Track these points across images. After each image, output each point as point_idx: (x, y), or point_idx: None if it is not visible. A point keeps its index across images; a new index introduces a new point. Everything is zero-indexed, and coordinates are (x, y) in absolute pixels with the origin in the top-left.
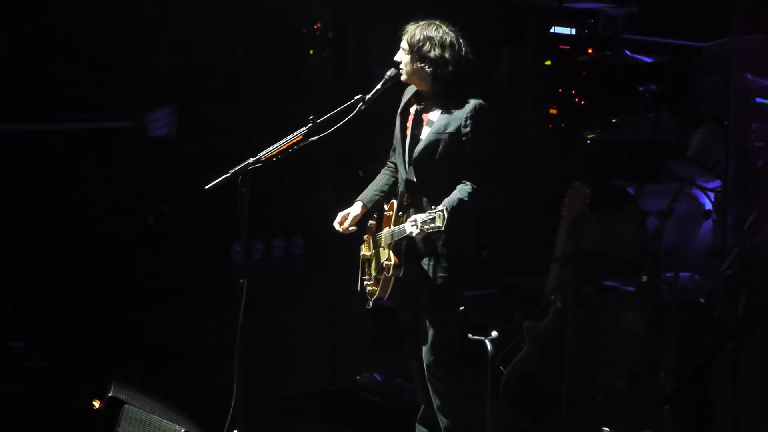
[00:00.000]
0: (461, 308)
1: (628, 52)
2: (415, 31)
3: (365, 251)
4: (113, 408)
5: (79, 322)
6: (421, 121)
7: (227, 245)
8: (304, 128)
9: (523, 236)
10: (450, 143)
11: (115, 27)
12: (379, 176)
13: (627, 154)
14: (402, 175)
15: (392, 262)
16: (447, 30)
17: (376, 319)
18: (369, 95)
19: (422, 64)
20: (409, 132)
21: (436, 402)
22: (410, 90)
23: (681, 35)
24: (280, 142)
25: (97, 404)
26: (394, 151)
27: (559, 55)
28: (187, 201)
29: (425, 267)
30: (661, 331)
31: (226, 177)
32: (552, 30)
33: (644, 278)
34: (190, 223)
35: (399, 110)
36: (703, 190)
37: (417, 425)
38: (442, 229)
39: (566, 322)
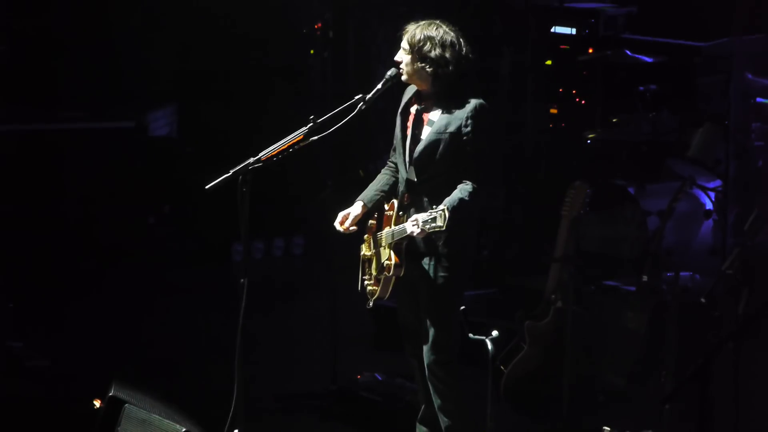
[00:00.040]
0: (462, 308)
1: (628, 52)
2: (415, 30)
3: (365, 251)
4: (114, 407)
5: (79, 322)
6: (422, 120)
7: (228, 245)
8: (304, 128)
9: (523, 236)
10: (451, 143)
11: (116, 27)
12: (379, 176)
13: (627, 153)
14: (402, 174)
15: (393, 262)
16: (447, 30)
17: (376, 318)
18: (369, 95)
19: (423, 64)
20: (409, 132)
21: (436, 401)
22: (410, 90)
23: (681, 35)
24: (281, 141)
25: (97, 404)
26: (394, 150)
27: (560, 55)
28: (187, 200)
29: (426, 266)
30: (662, 330)
31: (227, 176)
32: (552, 30)
33: (645, 278)
34: (190, 222)
35: (399, 110)
36: (704, 189)
37: (418, 425)
38: (443, 228)
39: (567, 321)
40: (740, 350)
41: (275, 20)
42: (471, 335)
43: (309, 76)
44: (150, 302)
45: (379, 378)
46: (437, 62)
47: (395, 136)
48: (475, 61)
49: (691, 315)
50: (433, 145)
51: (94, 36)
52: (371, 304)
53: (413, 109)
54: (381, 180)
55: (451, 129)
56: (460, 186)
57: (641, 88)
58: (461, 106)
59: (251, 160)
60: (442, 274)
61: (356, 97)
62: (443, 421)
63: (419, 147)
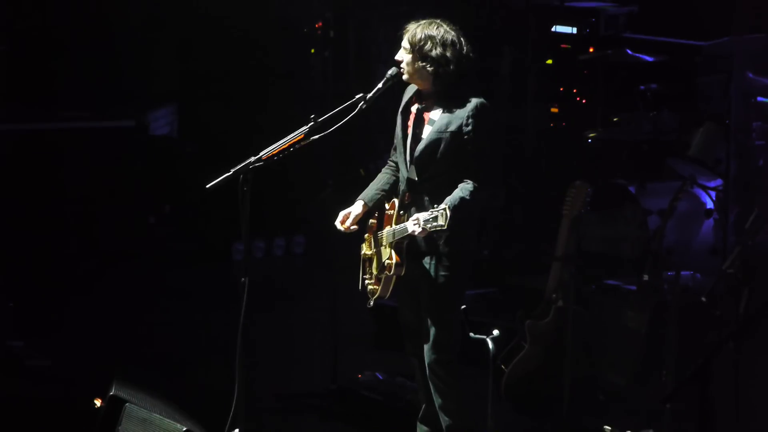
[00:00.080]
0: (463, 307)
1: (629, 51)
2: (416, 30)
3: (366, 250)
4: (115, 407)
5: (80, 321)
6: (423, 120)
7: (228, 244)
8: (305, 127)
9: (524, 235)
10: (451, 142)
11: (116, 26)
12: (379, 175)
13: (628, 152)
14: (403, 173)
15: (394, 261)
16: (448, 29)
17: (377, 317)
18: (370, 94)
19: (423, 63)
20: (410, 131)
21: (437, 401)
22: (411, 89)
23: (682, 34)
24: (281, 141)
25: (98, 403)
26: (394, 150)
27: (561, 54)
28: (188, 200)
29: (427, 266)
30: (663, 330)
31: (228, 176)
32: (553, 29)
33: (645, 277)
34: (191, 221)
35: (400, 109)
36: (705, 188)
37: (418, 424)
38: (445, 227)
39: (567, 321)
40: (741, 350)
41: (276, 20)
42: (472, 334)
43: (309, 76)
44: (150, 302)
45: (380, 377)
46: (438, 61)
47: (396, 136)
48: (476, 61)
49: (691, 314)
50: (434, 144)
51: (94, 35)
52: (372, 303)
53: (414, 108)
54: (381, 179)
55: (452, 128)
56: (461, 185)
57: (642, 87)
58: (462, 105)
59: (252, 159)
60: (442, 273)
61: (357, 97)
62: (444, 420)
63: (420, 146)
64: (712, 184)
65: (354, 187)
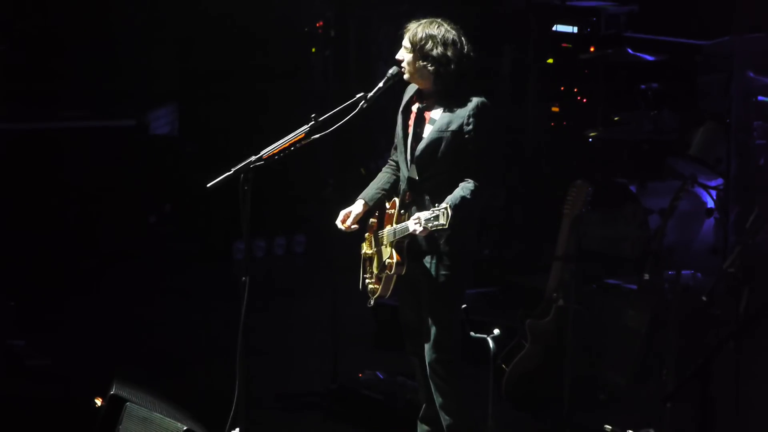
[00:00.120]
0: (463, 306)
1: (629, 50)
2: (417, 29)
3: (366, 249)
4: (115, 406)
5: (80, 320)
6: (423, 119)
7: (229, 243)
8: (306, 126)
9: (524, 234)
10: (452, 141)
11: (117, 26)
12: (380, 174)
13: (629, 152)
14: (404, 173)
15: (395, 260)
16: (449, 28)
17: (377, 317)
18: (371, 93)
19: (424, 63)
20: (411, 130)
21: (438, 400)
22: (412, 88)
23: (682, 33)
24: (282, 140)
25: (98, 402)
26: (395, 149)
27: (561, 53)
28: (188, 199)
29: (427, 265)
30: (663, 329)
31: (228, 175)
32: (554, 28)
33: (646, 276)
34: (191, 221)
35: (401, 108)
36: (705, 188)
37: (419, 423)
38: (446, 226)
39: (568, 320)
40: (741, 349)
41: (276, 19)
42: (472, 334)
43: (310, 75)
44: (151, 301)
45: (381, 376)
46: (439, 61)
47: (396, 135)
48: (477, 60)
49: (692, 313)
50: (434, 143)
51: (94, 35)
52: (372, 302)
53: (415, 107)
54: (382, 178)
55: (453, 127)
56: (462, 184)
57: (642, 86)
58: (463, 104)
59: (253, 158)
60: (443, 272)
61: (358, 96)
62: (444, 419)
63: (421, 145)
64: (713, 183)
65: (355, 186)
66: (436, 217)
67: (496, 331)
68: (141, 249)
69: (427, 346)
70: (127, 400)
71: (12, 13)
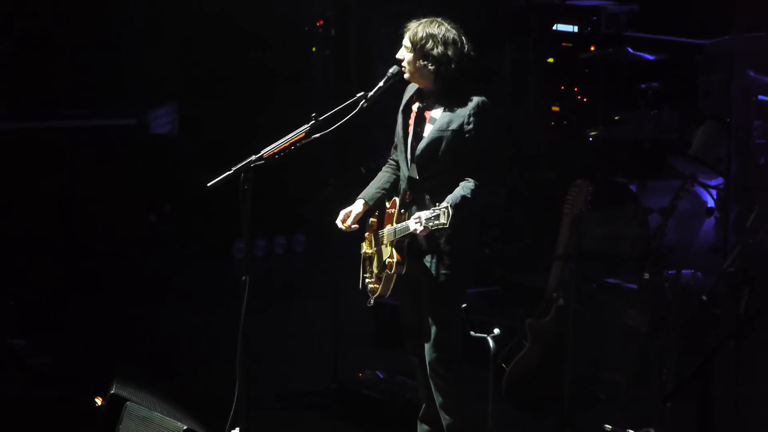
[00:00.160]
0: (463, 305)
1: (630, 50)
2: (417, 28)
3: (366, 249)
4: (115, 405)
5: (80, 320)
6: (424, 118)
7: (229, 243)
8: (306, 126)
9: (524, 233)
10: (453, 140)
11: (117, 25)
12: (380, 174)
13: (629, 151)
14: (404, 172)
15: (395, 260)
16: (449, 27)
17: (377, 316)
18: (371, 93)
19: (425, 62)
20: (411, 129)
21: (438, 399)
22: (412, 87)
23: (683, 32)
24: (283, 139)
25: (99, 402)
26: (395, 148)
27: (562, 53)
28: (188, 198)
29: (427, 264)
30: (663, 328)
31: (228, 174)
32: (554, 27)
33: (646, 275)
34: (191, 220)
35: (401, 108)
36: (706, 187)
37: (419, 423)
38: (447, 225)
39: (568, 319)
40: (741, 349)
41: (277, 18)
42: (472, 333)
43: (311, 74)
44: (151, 300)
45: (381, 376)
46: (439, 60)
47: (396, 134)
48: (477, 59)
49: (692, 313)
50: (435, 142)
51: (95, 34)
52: (372, 302)
53: (415, 106)
54: (382, 178)
55: (453, 126)
56: (462, 183)
57: (643, 85)
58: (463, 103)
59: (253, 157)
60: (443, 271)
61: (358, 95)
62: (444, 419)
63: (421, 144)
64: (713, 182)
65: (355, 185)
66: (437, 217)
67: (497, 331)
68: (141, 248)
69: (427, 346)
70: (127, 400)
71: (12, 12)
